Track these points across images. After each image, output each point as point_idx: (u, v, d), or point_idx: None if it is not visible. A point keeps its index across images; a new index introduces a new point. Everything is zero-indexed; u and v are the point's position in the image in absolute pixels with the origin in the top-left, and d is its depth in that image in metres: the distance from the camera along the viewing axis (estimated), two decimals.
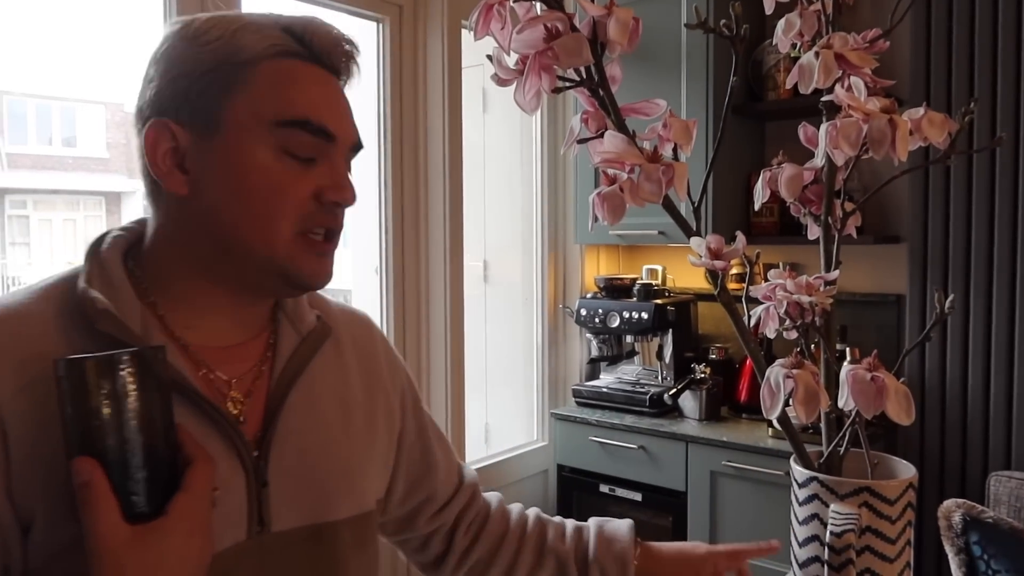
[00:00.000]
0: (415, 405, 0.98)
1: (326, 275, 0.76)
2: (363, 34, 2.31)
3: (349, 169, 0.77)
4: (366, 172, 2.36)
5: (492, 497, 1.06)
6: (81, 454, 0.59)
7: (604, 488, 2.60)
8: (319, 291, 0.88)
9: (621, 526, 1.03)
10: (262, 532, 0.73)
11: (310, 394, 0.80)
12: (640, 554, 1.01)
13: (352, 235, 2.55)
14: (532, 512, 1.05)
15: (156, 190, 0.74)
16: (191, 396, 0.70)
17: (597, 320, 2.70)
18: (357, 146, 0.78)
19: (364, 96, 2.35)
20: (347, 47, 0.76)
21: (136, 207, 11.08)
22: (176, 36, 0.71)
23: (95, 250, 0.74)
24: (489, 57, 0.70)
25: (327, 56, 0.74)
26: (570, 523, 1.05)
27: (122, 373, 0.59)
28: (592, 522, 1.04)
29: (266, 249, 0.71)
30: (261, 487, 0.73)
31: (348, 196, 0.74)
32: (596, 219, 0.72)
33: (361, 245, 2.47)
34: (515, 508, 1.06)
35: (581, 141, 0.74)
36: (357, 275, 2.53)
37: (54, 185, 10.39)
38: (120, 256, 0.74)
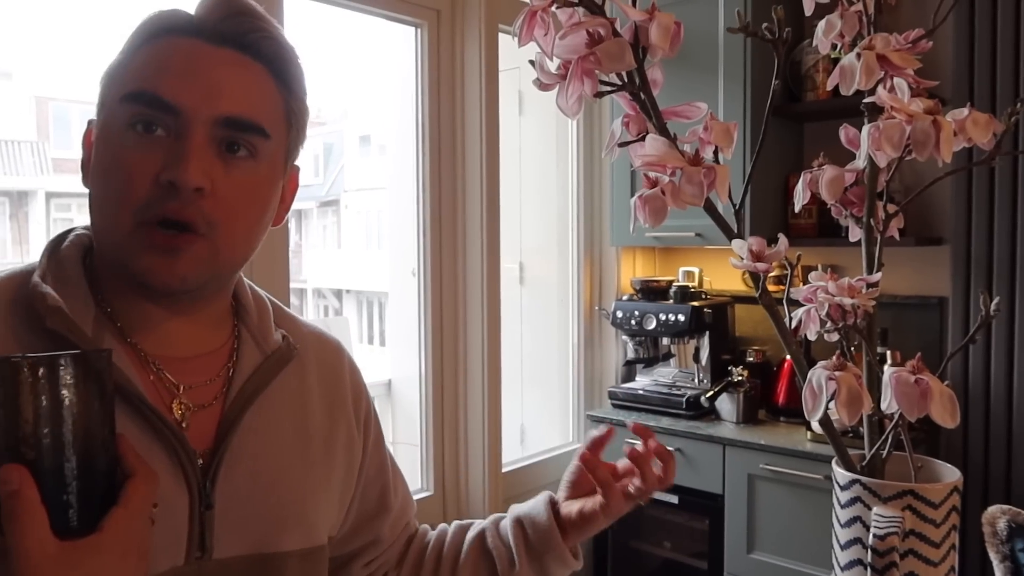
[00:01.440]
0: (377, 439, 0.91)
1: (171, 275, 0.65)
2: (401, 39, 2.34)
3: (236, 144, 0.67)
4: (404, 175, 2.39)
5: (423, 531, 0.98)
6: (10, 461, 0.53)
7: None
8: (287, 309, 0.85)
9: (537, 499, 0.92)
10: (202, 558, 0.68)
11: (268, 416, 0.75)
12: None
13: (389, 238, 2.58)
14: (453, 524, 0.97)
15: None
16: (134, 401, 0.66)
17: (633, 322, 2.70)
18: (230, 122, 0.66)
19: (401, 100, 2.38)
20: (235, 17, 0.67)
21: None
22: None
23: (55, 247, 0.71)
24: (531, 62, 0.71)
25: (208, 27, 0.67)
26: (492, 517, 0.96)
27: (61, 377, 0.54)
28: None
29: (111, 240, 0.66)
30: (205, 509, 0.68)
31: (179, 174, 0.62)
32: (637, 222, 0.73)
33: (398, 248, 2.50)
34: (436, 529, 0.98)
35: (623, 144, 0.75)
36: (395, 278, 2.56)
37: None
38: (80, 254, 0.71)
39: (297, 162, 0.78)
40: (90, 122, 0.70)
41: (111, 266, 0.69)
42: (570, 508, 0.87)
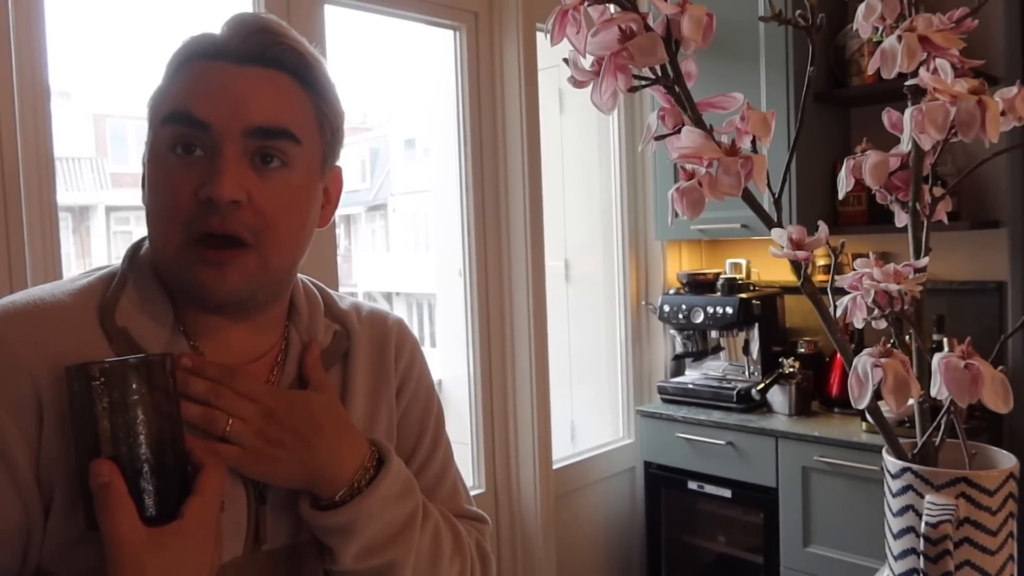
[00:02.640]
0: (426, 426, 0.90)
1: (222, 288, 0.69)
2: (441, 42, 2.36)
3: (270, 154, 0.70)
4: (448, 177, 2.41)
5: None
6: (93, 457, 0.59)
7: (692, 485, 2.57)
8: (344, 297, 0.88)
9: None
10: (256, 549, 0.72)
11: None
12: None
13: (435, 239, 2.60)
14: None
15: None
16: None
17: (681, 316, 2.68)
18: (264, 131, 0.69)
19: (443, 102, 2.41)
20: (257, 36, 0.70)
21: None
22: None
23: (134, 253, 0.76)
24: (565, 60, 0.72)
25: (232, 49, 0.70)
26: None
27: (129, 380, 0.60)
28: None
29: (165, 255, 0.70)
30: (260, 504, 0.72)
31: (215, 189, 0.66)
32: (676, 214, 0.73)
33: (444, 249, 2.52)
34: None
35: (659, 138, 0.75)
36: (441, 278, 2.59)
37: None
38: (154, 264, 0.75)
39: (340, 163, 0.80)
40: (145, 143, 0.74)
41: (169, 278, 0.73)
42: None
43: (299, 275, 0.84)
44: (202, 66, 0.70)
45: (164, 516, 0.61)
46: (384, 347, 0.87)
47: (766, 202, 0.80)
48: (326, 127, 0.75)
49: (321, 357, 0.80)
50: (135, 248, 0.77)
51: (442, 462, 0.93)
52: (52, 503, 0.64)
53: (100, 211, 10.57)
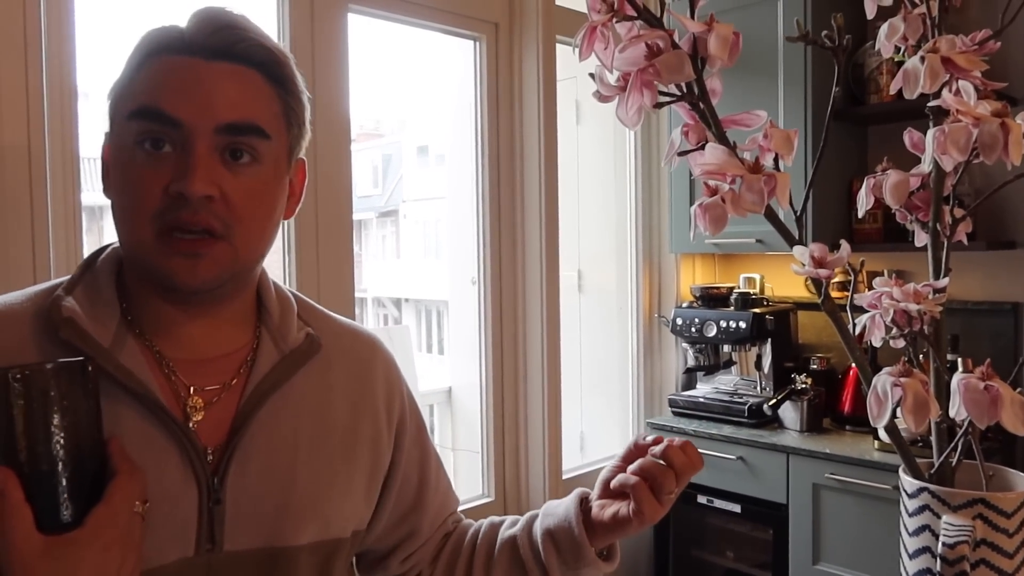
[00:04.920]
0: (416, 437, 0.91)
1: (193, 277, 0.69)
2: (459, 51, 2.38)
3: (239, 150, 0.70)
4: (463, 185, 2.42)
5: (462, 528, 0.97)
6: (5, 461, 0.58)
7: (702, 499, 2.57)
8: (319, 306, 0.88)
9: (565, 498, 0.89)
10: (212, 550, 0.71)
11: (284, 413, 0.78)
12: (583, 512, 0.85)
13: (448, 247, 2.61)
14: (485, 521, 0.96)
15: None
16: (146, 402, 0.70)
17: (693, 329, 2.68)
18: (235, 127, 0.69)
19: (459, 110, 2.42)
20: (223, 32, 0.70)
21: None
22: None
23: (92, 260, 0.76)
24: (591, 75, 0.73)
25: (200, 44, 0.70)
26: (526, 515, 0.93)
27: (45, 385, 0.59)
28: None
29: (136, 249, 0.71)
30: (214, 504, 0.71)
31: (187, 185, 0.66)
32: (697, 229, 0.74)
33: (458, 257, 2.53)
34: (470, 527, 0.96)
35: (682, 154, 0.76)
36: (454, 286, 2.60)
37: None
38: (113, 267, 0.76)
39: (302, 155, 0.81)
40: (106, 135, 0.74)
41: (138, 273, 0.74)
42: (602, 513, 0.83)
43: (273, 281, 0.84)
44: (170, 61, 0.69)
45: (73, 524, 0.60)
46: (367, 365, 0.88)
47: (784, 218, 0.80)
48: (293, 121, 0.76)
49: (291, 356, 0.79)
50: (93, 256, 0.77)
51: (440, 470, 0.95)
52: None
53: None
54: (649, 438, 0.83)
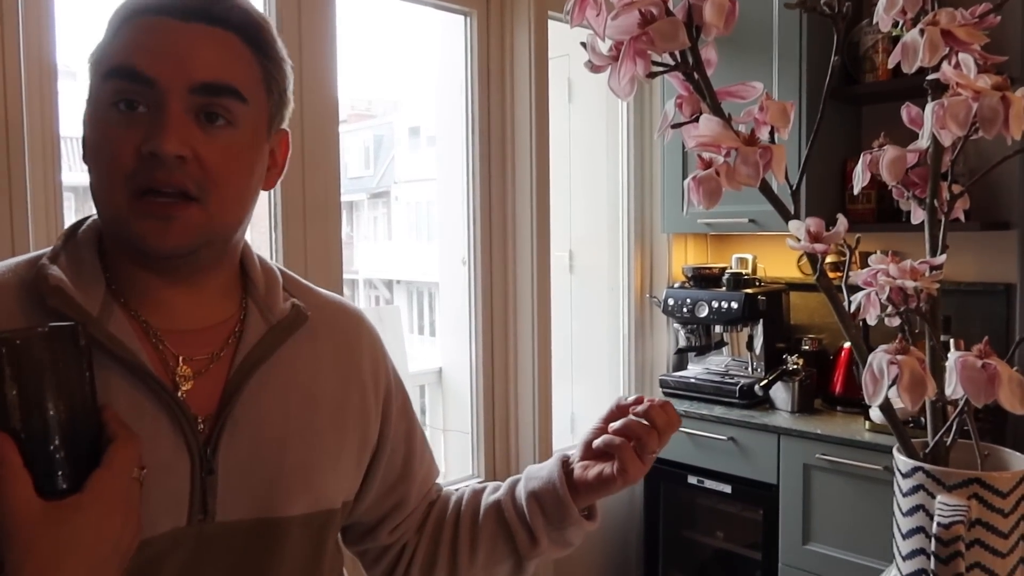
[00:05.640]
0: (403, 409, 0.92)
1: (164, 240, 0.68)
2: (450, 29, 2.35)
3: (214, 112, 0.69)
4: (454, 166, 2.40)
5: (444, 496, 0.98)
6: (1, 428, 0.57)
7: (692, 480, 2.57)
8: (303, 280, 0.88)
9: (547, 461, 0.90)
10: (204, 520, 0.71)
11: (273, 384, 0.77)
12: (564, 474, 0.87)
13: (440, 228, 2.59)
14: (467, 489, 0.97)
15: None
16: (137, 372, 0.69)
17: (685, 310, 2.67)
18: (209, 87, 0.68)
19: (449, 90, 2.39)
20: None
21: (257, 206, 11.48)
22: None
23: (73, 231, 0.76)
24: (583, 44, 0.70)
25: (178, 5, 0.69)
26: (508, 480, 0.94)
27: (37, 350, 0.59)
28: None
29: (110, 212, 0.70)
30: (206, 474, 0.71)
31: (159, 144, 0.65)
32: (691, 204, 0.72)
33: (449, 238, 2.51)
34: (452, 495, 0.97)
35: (675, 126, 0.74)
36: (444, 267, 2.58)
37: None
38: (95, 237, 0.75)
39: (285, 126, 0.80)
40: (86, 103, 0.72)
41: (114, 239, 0.73)
42: (586, 473, 0.85)
43: (258, 254, 0.84)
44: (146, 21, 0.68)
45: (74, 490, 0.59)
46: (353, 337, 0.88)
47: (779, 194, 0.79)
48: (273, 88, 0.75)
49: (278, 327, 0.79)
50: (74, 227, 0.76)
51: (424, 441, 0.96)
52: None
53: None
54: (630, 398, 0.85)
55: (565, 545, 0.89)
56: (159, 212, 0.67)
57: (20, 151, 1.38)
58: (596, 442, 0.83)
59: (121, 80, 0.67)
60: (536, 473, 0.89)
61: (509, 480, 0.93)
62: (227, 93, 0.69)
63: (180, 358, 0.74)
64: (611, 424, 0.83)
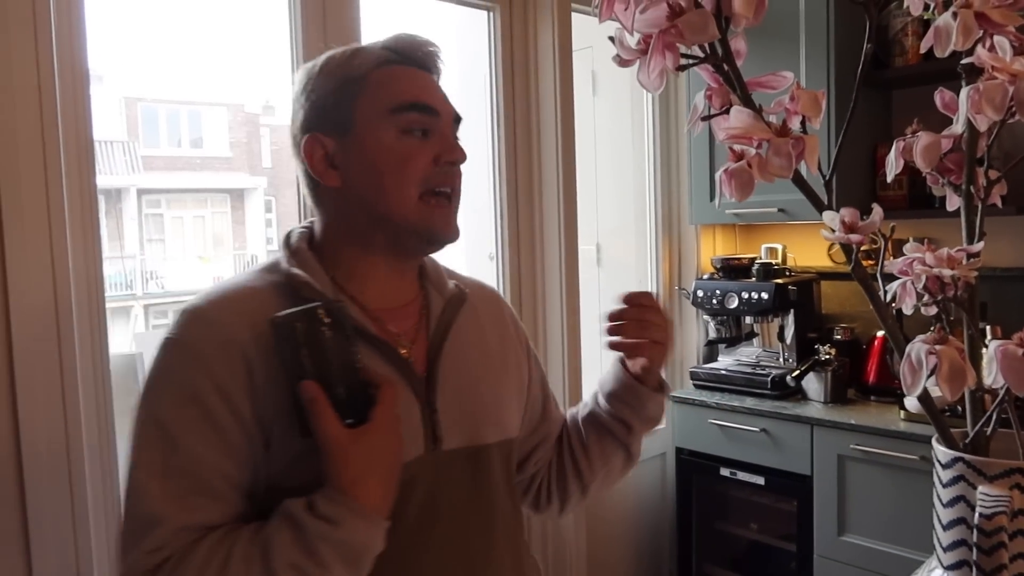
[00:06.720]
0: (536, 359, 1.15)
1: (453, 230, 0.94)
2: (472, 23, 2.34)
3: (456, 138, 0.94)
4: (479, 159, 2.40)
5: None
6: (300, 381, 0.77)
7: (725, 472, 2.55)
8: (452, 268, 1.10)
9: (608, 370, 1.12)
10: (436, 448, 0.91)
11: (458, 343, 0.98)
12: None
13: (466, 222, 2.59)
14: (568, 416, 1.18)
15: (317, 189, 0.94)
16: (373, 342, 0.89)
17: (715, 301, 2.65)
18: (458, 119, 0.95)
19: (476, 84, 2.39)
20: (430, 48, 0.95)
21: (257, 202, 11.62)
22: (310, 72, 0.94)
23: (287, 242, 0.96)
24: (611, 39, 0.70)
25: (417, 58, 0.94)
26: (588, 396, 1.16)
27: (320, 322, 0.79)
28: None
29: (400, 212, 0.90)
30: (432, 412, 0.91)
31: (459, 155, 0.92)
32: (723, 196, 0.72)
33: (475, 232, 2.51)
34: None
35: (706, 118, 0.74)
36: (471, 262, 2.58)
37: (184, 184, 11.05)
38: (306, 244, 0.95)
39: None
40: (311, 139, 0.91)
41: (360, 232, 0.93)
42: (635, 364, 1.07)
43: None
44: (403, 70, 0.93)
45: (357, 422, 0.79)
46: (499, 307, 1.11)
47: (810, 184, 0.78)
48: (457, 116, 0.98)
49: (451, 302, 1.00)
50: (286, 239, 0.96)
51: (551, 390, 1.19)
52: (272, 434, 0.83)
53: (132, 194, 10.69)
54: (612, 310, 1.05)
55: (651, 421, 1.09)
56: (446, 210, 0.93)
57: (56, 155, 1.41)
58: (614, 351, 1.05)
59: (416, 112, 0.90)
60: (605, 380, 1.11)
61: (589, 396, 1.14)
62: (459, 122, 0.96)
63: (398, 332, 0.94)
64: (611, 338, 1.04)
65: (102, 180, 1.54)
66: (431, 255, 1.03)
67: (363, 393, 0.81)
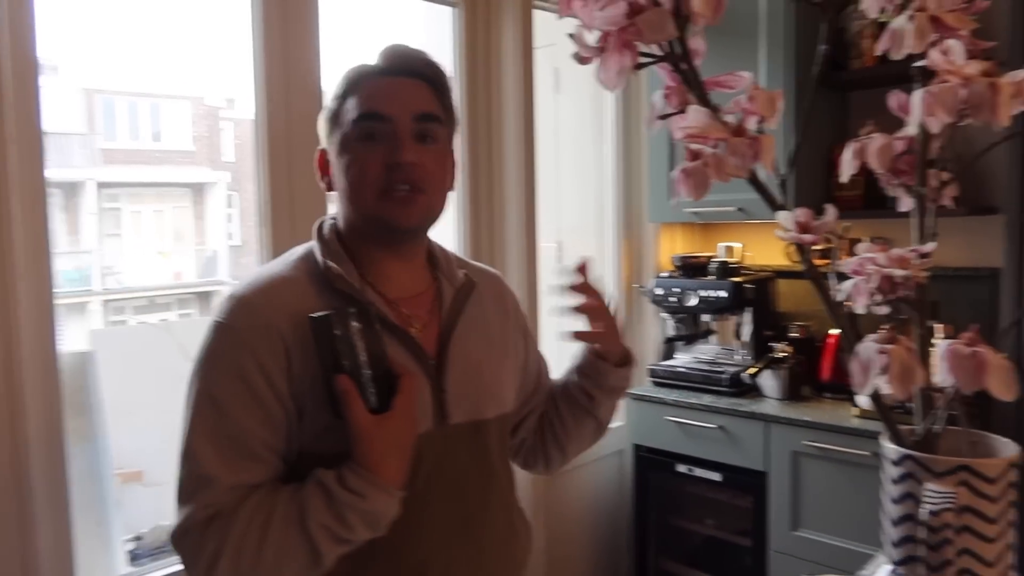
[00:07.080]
0: (533, 340, 1.28)
1: (408, 218, 1.00)
2: (436, 20, 2.32)
3: (426, 134, 1.00)
4: None
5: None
6: (334, 372, 0.89)
7: (681, 468, 2.58)
8: (463, 256, 1.23)
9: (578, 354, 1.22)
10: (443, 423, 1.02)
11: (466, 330, 1.08)
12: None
13: None
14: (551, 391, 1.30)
15: (330, 190, 1.06)
16: (393, 330, 1.00)
17: (673, 299, 2.67)
18: (424, 116, 1.00)
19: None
20: (411, 53, 1.03)
21: (218, 197, 11.42)
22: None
23: (319, 232, 1.06)
24: (571, 36, 0.70)
25: (394, 65, 1.02)
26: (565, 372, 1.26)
27: (352, 321, 0.91)
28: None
29: (365, 208, 1.00)
30: (441, 392, 1.03)
31: (405, 156, 0.98)
32: (679, 195, 0.72)
33: (436, 229, 2.49)
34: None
35: (663, 117, 0.73)
36: None
37: (143, 178, 10.80)
38: (335, 236, 1.05)
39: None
40: (322, 151, 1.06)
41: (361, 230, 1.03)
42: (597, 346, 1.17)
43: (430, 239, 1.13)
44: (376, 80, 1.01)
45: (382, 408, 0.91)
46: (501, 293, 1.21)
47: (767, 183, 0.78)
48: (451, 114, 1.06)
49: (460, 291, 1.10)
50: (318, 229, 1.06)
51: (548, 369, 1.32)
52: (304, 407, 0.96)
53: (90, 188, 10.43)
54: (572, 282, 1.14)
55: (614, 391, 1.20)
56: (404, 199, 0.98)
57: (1, 147, 1.36)
58: (577, 331, 1.14)
59: (368, 121, 0.98)
60: (575, 356, 1.22)
61: (565, 371, 1.25)
62: (432, 119, 1.01)
63: (412, 318, 1.04)
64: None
65: (59, 173, 1.49)
66: (442, 246, 1.16)
67: (386, 384, 0.93)
